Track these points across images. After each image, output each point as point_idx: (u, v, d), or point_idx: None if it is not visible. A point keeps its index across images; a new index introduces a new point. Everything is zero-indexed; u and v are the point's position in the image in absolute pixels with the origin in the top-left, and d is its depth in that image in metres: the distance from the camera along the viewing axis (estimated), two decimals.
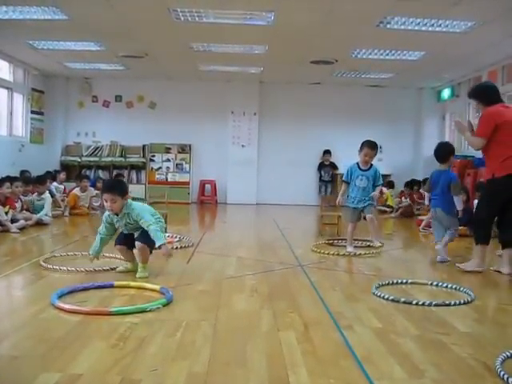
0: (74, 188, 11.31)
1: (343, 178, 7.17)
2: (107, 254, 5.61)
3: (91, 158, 14.79)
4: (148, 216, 4.97)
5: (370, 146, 6.92)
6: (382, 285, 4.74)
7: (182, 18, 9.03)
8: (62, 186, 11.50)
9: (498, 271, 5.52)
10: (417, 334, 3.44)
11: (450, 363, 2.93)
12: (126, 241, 5.10)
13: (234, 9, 8.62)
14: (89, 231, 8.26)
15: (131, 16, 9.00)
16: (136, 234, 5.02)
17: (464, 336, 3.43)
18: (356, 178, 6.89)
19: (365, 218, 7.02)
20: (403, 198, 12.63)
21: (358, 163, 7.00)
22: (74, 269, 5.07)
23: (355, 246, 7.00)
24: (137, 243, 4.97)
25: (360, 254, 6.64)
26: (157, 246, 4.84)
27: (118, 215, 5.01)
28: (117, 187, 5.03)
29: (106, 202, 4.93)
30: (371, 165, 6.98)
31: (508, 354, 2.93)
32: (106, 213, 5.08)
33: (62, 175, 12.33)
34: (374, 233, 7.26)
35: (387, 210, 12.84)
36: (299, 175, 15.04)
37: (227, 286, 4.69)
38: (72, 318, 3.57)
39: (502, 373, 2.67)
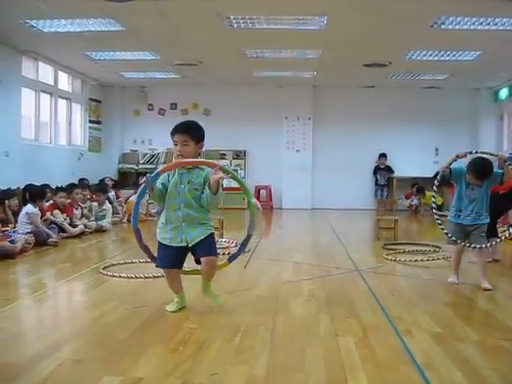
0: (131, 195, 11.50)
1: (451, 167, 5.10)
2: None
3: (148, 166, 15.00)
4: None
5: (475, 175, 4.98)
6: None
7: (235, 25, 9.11)
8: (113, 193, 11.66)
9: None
10: (477, 339, 3.38)
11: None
12: (178, 260, 3.99)
13: (286, 14, 8.66)
14: (147, 237, 8.37)
15: (184, 25, 9.14)
16: (196, 244, 3.92)
17: None
18: (467, 187, 5.03)
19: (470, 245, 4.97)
20: None
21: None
22: (133, 275, 5.15)
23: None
24: (207, 258, 3.92)
25: (422, 259, 6.51)
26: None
27: (183, 169, 4.02)
28: (193, 128, 4.14)
29: (176, 145, 4.03)
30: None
31: None
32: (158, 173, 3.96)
33: (107, 181, 12.56)
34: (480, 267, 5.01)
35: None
36: (354, 179, 14.94)
37: (284, 291, 4.70)
38: (133, 323, 3.64)
39: None
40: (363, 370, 2.80)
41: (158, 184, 3.99)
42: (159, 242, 4.02)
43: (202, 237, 3.96)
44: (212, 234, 4.04)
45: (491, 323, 3.77)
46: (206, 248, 3.94)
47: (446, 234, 4.98)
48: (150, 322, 3.68)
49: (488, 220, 4.95)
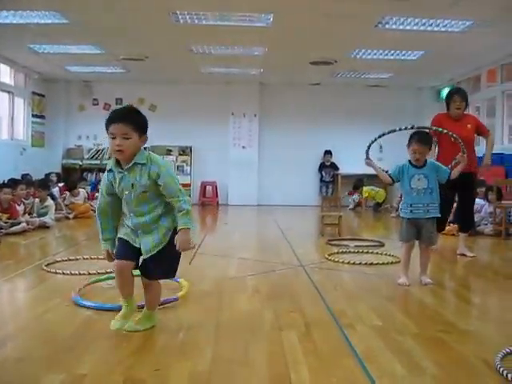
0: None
1: (389, 172, 5.22)
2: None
3: (92, 161, 14.83)
4: (176, 181, 3.30)
5: (416, 140, 5.05)
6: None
7: (182, 21, 9.06)
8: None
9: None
10: (417, 331, 3.46)
11: (450, 360, 2.96)
12: (132, 253, 3.33)
13: (233, 10, 8.66)
14: (91, 233, 8.31)
15: (131, 19, 9.05)
16: (146, 253, 3.28)
17: (464, 333, 3.46)
18: (412, 178, 5.00)
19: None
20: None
21: (410, 161, 5.12)
22: (77, 272, 5.09)
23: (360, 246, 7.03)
24: (149, 276, 3.36)
25: (363, 251, 6.76)
26: (178, 228, 3.22)
27: (122, 167, 3.34)
28: (133, 116, 3.35)
29: (114, 138, 3.27)
30: (425, 161, 5.07)
31: (508, 350, 2.97)
32: (105, 173, 3.44)
33: (52, 177, 12.37)
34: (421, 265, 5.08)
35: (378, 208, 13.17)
36: (300, 176, 15.07)
37: (229, 287, 4.72)
38: (76, 319, 3.60)
39: (502, 369, 2.70)
40: (305, 364, 2.84)
41: (102, 198, 3.41)
42: (118, 237, 3.42)
43: (160, 247, 3.28)
44: (171, 242, 3.24)
45: (430, 316, 3.86)
46: (157, 267, 3.30)
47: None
48: (93, 318, 3.65)
49: (438, 214, 5.00)
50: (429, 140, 5.16)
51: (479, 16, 8.48)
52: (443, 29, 9.21)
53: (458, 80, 13.77)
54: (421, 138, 5.06)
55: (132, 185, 3.25)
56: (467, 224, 6.81)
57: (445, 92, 14.37)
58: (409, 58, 11.53)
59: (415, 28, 9.22)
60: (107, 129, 3.29)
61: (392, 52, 11.17)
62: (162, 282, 3.51)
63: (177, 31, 9.65)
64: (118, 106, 14.75)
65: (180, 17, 8.88)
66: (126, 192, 3.28)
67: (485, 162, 6.68)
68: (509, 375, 2.63)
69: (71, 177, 13.82)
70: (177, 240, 3.19)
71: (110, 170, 3.37)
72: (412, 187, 4.98)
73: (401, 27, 9.20)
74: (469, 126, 6.51)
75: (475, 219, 8.86)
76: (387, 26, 9.18)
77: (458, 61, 11.70)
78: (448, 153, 6.11)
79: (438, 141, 6.55)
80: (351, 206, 14.11)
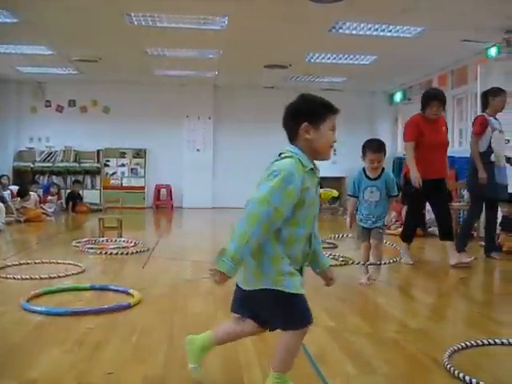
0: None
1: (349, 192, 5.32)
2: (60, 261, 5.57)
3: (45, 164, 14.58)
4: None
5: (372, 149, 4.98)
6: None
7: (136, 22, 8.99)
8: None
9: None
10: (369, 331, 3.52)
11: (400, 359, 3.02)
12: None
13: (188, 13, 8.63)
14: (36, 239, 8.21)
15: (83, 19, 8.90)
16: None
17: (415, 332, 3.53)
18: (365, 190, 5.07)
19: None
20: None
21: (364, 170, 5.13)
22: (28, 276, 5.00)
23: None
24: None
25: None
26: None
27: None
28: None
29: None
30: (382, 169, 5.07)
31: (455, 348, 3.05)
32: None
33: (4, 180, 12.15)
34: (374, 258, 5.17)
35: (337, 208, 13.31)
36: (255, 178, 14.74)
37: (183, 290, 4.71)
38: (27, 325, 3.55)
39: (449, 366, 2.78)
40: (259, 365, 2.86)
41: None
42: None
43: None
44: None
45: (383, 316, 3.93)
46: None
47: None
48: (45, 324, 3.60)
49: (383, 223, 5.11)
50: (383, 146, 5.05)
51: (429, 22, 8.63)
52: (395, 34, 9.35)
53: (410, 85, 14.01)
54: (375, 146, 5.01)
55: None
56: (449, 231, 6.28)
57: (397, 96, 14.67)
58: (362, 62, 11.67)
59: (368, 33, 9.34)
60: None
61: (346, 56, 11.29)
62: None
63: (131, 33, 9.57)
64: (71, 108, 14.68)
65: (134, 18, 8.80)
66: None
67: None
68: (456, 372, 2.70)
69: (23, 180, 13.59)
70: None
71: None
72: (365, 199, 5.06)
73: (354, 32, 9.31)
74: (443, 128, 6.42)
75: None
76: (341, 31, 9.27)
77: (410, 66, 11.90)
78: (427, 161, 6.04)
79: (416, 147, 6.15)
80: None
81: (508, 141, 7.58)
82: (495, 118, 6.73)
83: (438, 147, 6.17)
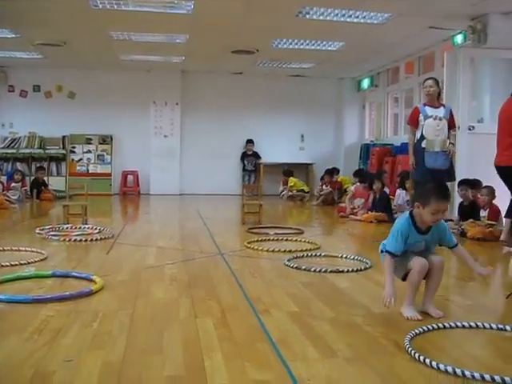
0: None
1: (389, 249, 3.55)
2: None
3: (8, 150, 14.30)
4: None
5: (442, 196, 3.49)
6: (295, 257, 5.40)
7: (100, 5, 8.83)
8: None
9: None
10: (332, 316, 3.52)
11: (362, 342, 3.03)
12: None
13: None
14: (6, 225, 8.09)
15: (47, 2, 8.73)
16: None
17: (377, 316, 3.54)
18: (412, 245, 3.59)
19: None
20: (324, 185, 12.81)
21: (411, 217, 3.57)
22: None
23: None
24: None
25: (283, 239, 6.86)
26: None
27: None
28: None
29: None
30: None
31: (416, 331, 3.09)
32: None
33: None
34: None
35: (304, 195, 13.30)
36: (222, 165, 15.06)
37: (146, 276, 4.67)
38: None
39: (410, 349, 2.81)
40: (220, 350, 2.84)
41: None
42: None
43: None
44: None
45: (345, 301, 3.93)
46: None
47: None
48: (5, 312, 3.54)
49: None
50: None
51: (396, 9, 8.64)
52: (362, 20, 9.35)
53: (378, 71, 14.06)
54: (447, 193, 3.61)
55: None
56: None
57: (365, 83, 14.73)
58: (329, 48, 11.66)
59: (335, 19, 9.32)
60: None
61: (313, 42, 11.27)
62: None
63: (95, 16, 9.41)
64: (36, 93, 14.43)
65: (99, 1, 8.64)
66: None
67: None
68: (416, 354, 2.73)
69: None
70: None
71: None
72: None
73: (321, 18, 9.28)
74: None
75: (392, 207, 9.15)
76: (308, 16, 9.24)
77: (378, 52, 11.93)
78: None
79: None
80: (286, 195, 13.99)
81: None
82: (435, 106, 7.23)
83: None
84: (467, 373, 2.51)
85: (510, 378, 2.45)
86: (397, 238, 3.51)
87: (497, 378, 2.46)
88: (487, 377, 2.47)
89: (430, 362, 2.63)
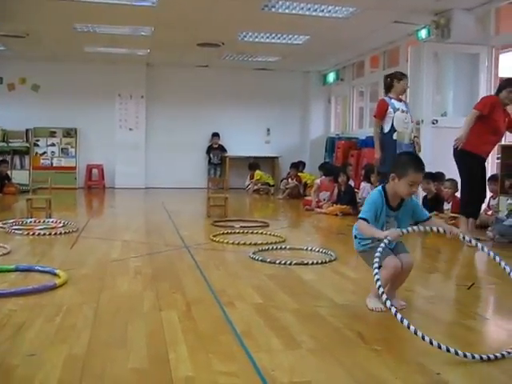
0: None
1: (362, 215, 3.57)
2: None
3: None
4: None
5: (418, 168, 3.53)
6: (260, 250, 5.42)
7: None
8: None
9: None
10: (296, 307, 3.56)
11: (326, 334, 3.06)
12: None
13: None
14: None
15: None
16: None
17: (341, 308, 3.58)
18: (383, 225, 3.60)
19: None
20: (290, 179, 12.87)
21: (383, 191, 3.61)
22: None
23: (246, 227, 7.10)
24: None
25: (248, 232, 6.92)
26: None
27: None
28: None
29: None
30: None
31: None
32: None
33: None
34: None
35: (269, 188, 13.36)
36: (188, 158, 15.01)
37: (111, 269, 4.65)
38: None
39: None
40: (184, 342, 2.85)
41: None
42: None
43: None
44: None
45: (310, 293, 3.96)
46: None
47: None
48: None
49: None
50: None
51: (361, 3, 8.71)
52: (327, 14, 9.39)
53: (343, 65, 14.15)
54: (420, 163, 3.60)
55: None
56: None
57: (331, 77, 14.80)
58: (295, 42, 11.70)
59: (301, 12, 9.34)
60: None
61: (279, 36, 11.28)
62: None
63: (59, 8, 9.28)
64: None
65: None
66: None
67: None
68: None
69: None
70: None
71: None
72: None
73: (287, 11, 9.30)
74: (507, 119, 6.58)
75: (357, 200, 9.23)
76: (273, 10, 9.24)
77: (343, 46, 12.01)
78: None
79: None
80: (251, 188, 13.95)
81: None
82: (399, 100, 7.23)
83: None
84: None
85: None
86: (370, 206, 3.58)
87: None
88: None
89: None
